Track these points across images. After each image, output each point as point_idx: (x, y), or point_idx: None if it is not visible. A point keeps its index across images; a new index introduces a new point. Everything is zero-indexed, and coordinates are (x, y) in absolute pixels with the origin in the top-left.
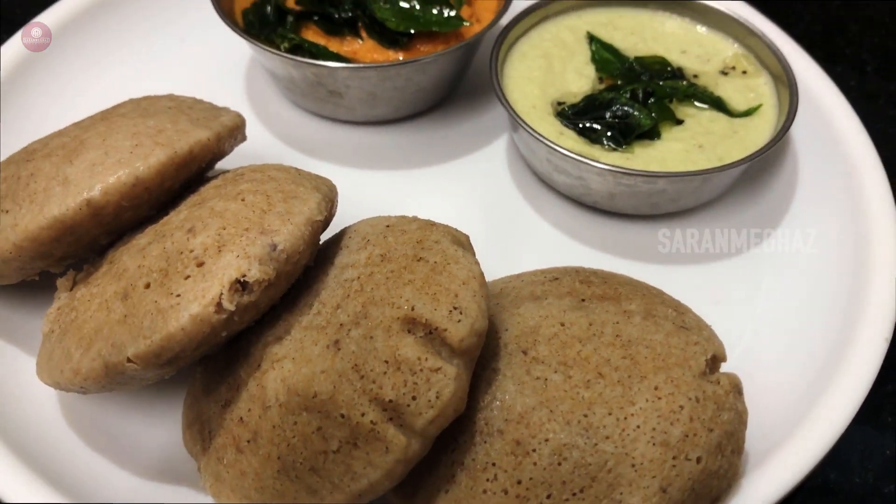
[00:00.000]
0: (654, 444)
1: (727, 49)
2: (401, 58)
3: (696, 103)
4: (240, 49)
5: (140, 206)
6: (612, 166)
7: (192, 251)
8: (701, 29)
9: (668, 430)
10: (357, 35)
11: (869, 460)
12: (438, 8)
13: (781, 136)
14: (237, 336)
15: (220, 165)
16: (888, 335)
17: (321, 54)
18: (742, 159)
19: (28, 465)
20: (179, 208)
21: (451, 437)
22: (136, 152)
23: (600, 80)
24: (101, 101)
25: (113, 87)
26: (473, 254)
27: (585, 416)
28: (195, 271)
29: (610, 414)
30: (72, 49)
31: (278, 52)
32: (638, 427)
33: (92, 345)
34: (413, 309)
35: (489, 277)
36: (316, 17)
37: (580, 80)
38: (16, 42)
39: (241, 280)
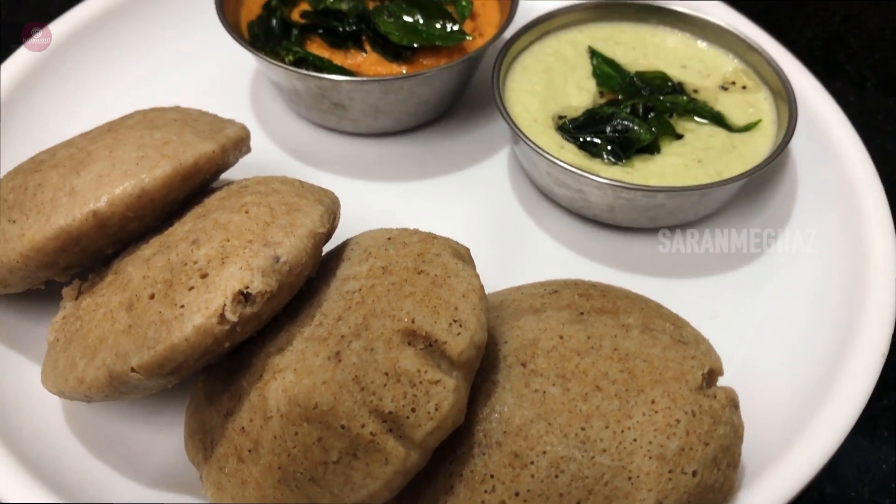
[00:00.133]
0: (650, 458)
1: (727, 64)
2: (404, 71)
3: (696, 118)
4: (245, 61)
5: (145, 217)
6: (612, 180)
7: (195, 262)
8: (702, 44)
9: (665, 443)
10: (361, 48)
11: (865, 474)
12: (441, 22)
13: (780, 151)
14: (240, 346)
15: (225, 176)
16: (885, 350)
17: (325, 67)
18: (741, 174)
19: (32, 473)
20: (184, 220)
21: (450, 449)
22: (142, 164)
23: (601, 94)
24: (108, 113)
25: (119, 98)
26: (474, 266)
27: (583, 428)
28: (199, 282)
29: (607, 427)
30: (79, 60)
31: (283, 64)
32: (635, 440)
33: (96, 354)
34: (413, 321)
35: (490, 289)
36: (320, 31)
37: (581, 95)
38: (23, 52)
39: (245, 291)
